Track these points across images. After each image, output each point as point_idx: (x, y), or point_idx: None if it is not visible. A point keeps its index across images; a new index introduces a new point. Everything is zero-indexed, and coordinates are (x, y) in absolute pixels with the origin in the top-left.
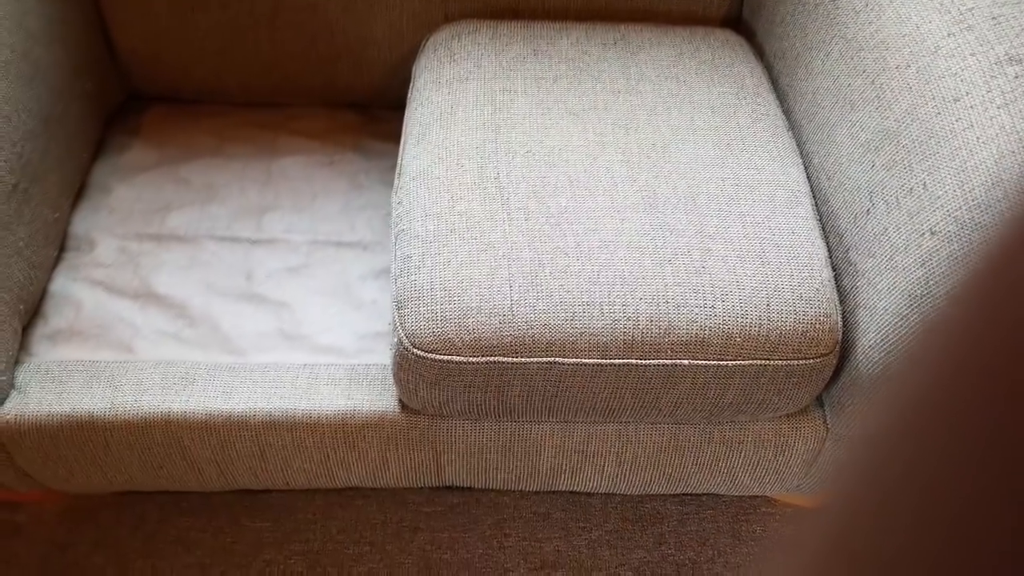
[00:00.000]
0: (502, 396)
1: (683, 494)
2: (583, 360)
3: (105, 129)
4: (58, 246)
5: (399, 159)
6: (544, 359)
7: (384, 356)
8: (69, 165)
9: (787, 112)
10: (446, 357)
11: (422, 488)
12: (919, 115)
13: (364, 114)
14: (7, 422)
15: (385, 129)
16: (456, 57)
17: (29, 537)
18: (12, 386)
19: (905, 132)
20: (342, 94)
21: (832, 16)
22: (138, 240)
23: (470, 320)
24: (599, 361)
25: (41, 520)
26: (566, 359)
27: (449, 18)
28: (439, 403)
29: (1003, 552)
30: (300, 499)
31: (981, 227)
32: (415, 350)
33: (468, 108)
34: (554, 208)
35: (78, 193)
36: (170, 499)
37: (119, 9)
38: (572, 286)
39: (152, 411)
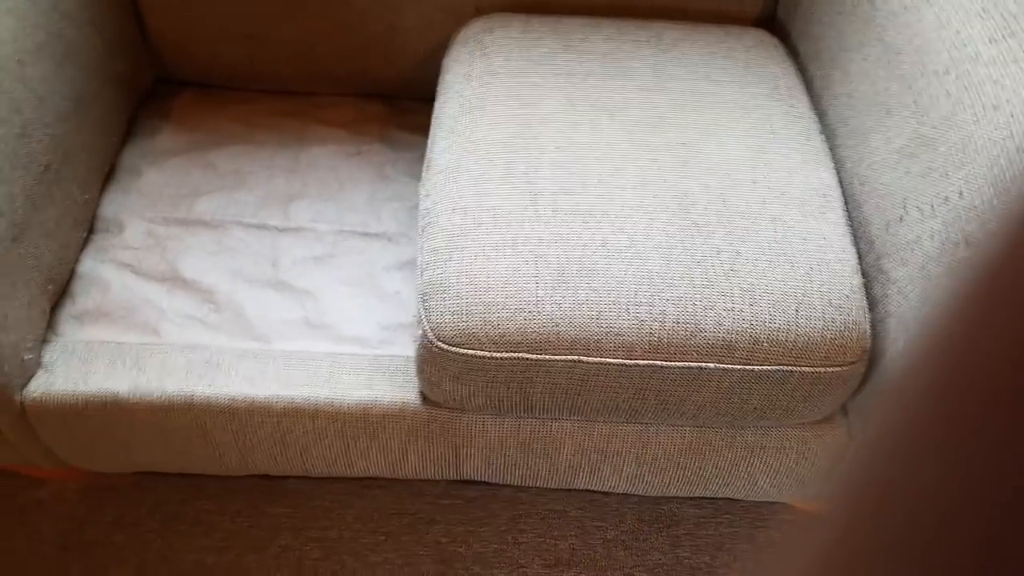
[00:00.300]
0: (525, 392)
1: (701, 497)
2: (608, 360)
3: (136, 112)
4: (87, 228)
5: (427, 152)
6: (568, 357)
7: (406, 348)
8: (100, 147)
9: (820, 115)
10: (470, 351)
11: (439, 480)
12: (957, 122)
13: (392, 105)
14: (33, 400)
15: (413, 121)
16: (487, 51)
17: (50, 513)
18: (39, 365)
19: (942, 139)
20: (371, 84)
21: (870, 19)
22: (166, 224)
23: (495, 315)
24: (624, 361)
25: (62, 497)
26: (590, 358)
27: (480, 11)
28: (461, 397)
29: (997, 556)
30: (318, 486)
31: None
32: (439, 343)
33: (498, 102)
34: (582, 205)
35: (108, 175)
36: (190, 481)
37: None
38: (599, 284)
39: (176, 394)
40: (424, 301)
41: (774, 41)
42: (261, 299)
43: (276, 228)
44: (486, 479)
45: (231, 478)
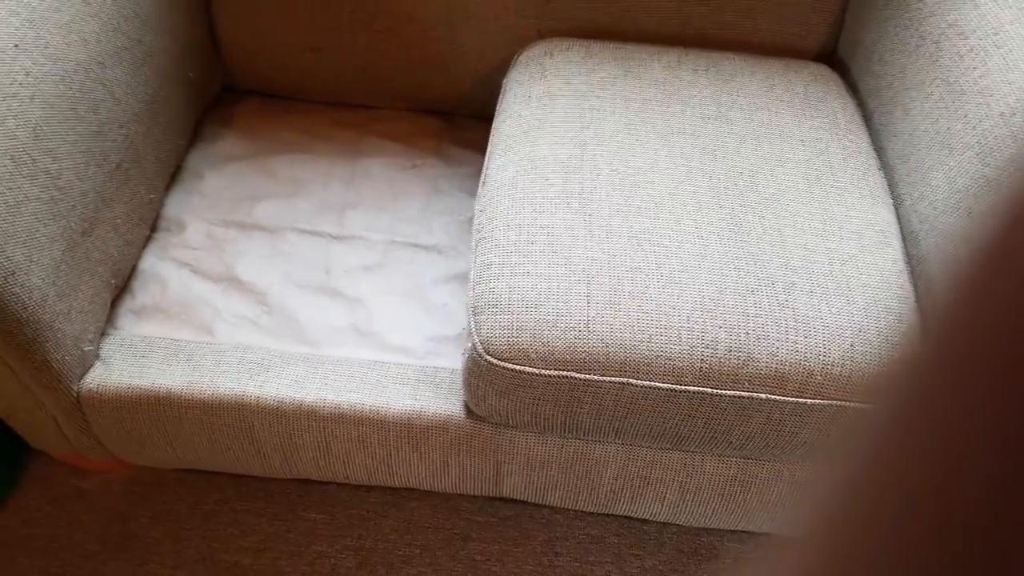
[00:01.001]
0: (571, 412)
1: (743, 532)
2: (657, 384)
3: (202, 118)
4: (150, 226)
5: (484, 168)
6: (617, 379)
7: (451, 360)
8: (167, 149)
9: (880, 151)
10: (519, 367)
11: (476, 497)
12: None
13: (447, 121)
14: (90, 391)
15: (467, 137)
16: (547, 73)
17: (94, 504)
18: (97, 357)
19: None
20: (428, 100)
21: (934, 59)
22: (225, 226)
23: (546, 332)
24: (673, 387)
25: (107, 489)
26: (639, 381)
27: (542, 35)
28: (506, 412)
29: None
30: (356, 495)
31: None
32: (488, 357)
33: (556, 123)
34: (637, 228)
35: (172, 177)
36: (231, 482)
37: (226, 3)
38: (651, 308)
39: (226, 393)
40: (475, 315)
41: (834, 76)
42: (312, 304)
43: (330, 236)
44: (525, 498)
45: (271, 481)
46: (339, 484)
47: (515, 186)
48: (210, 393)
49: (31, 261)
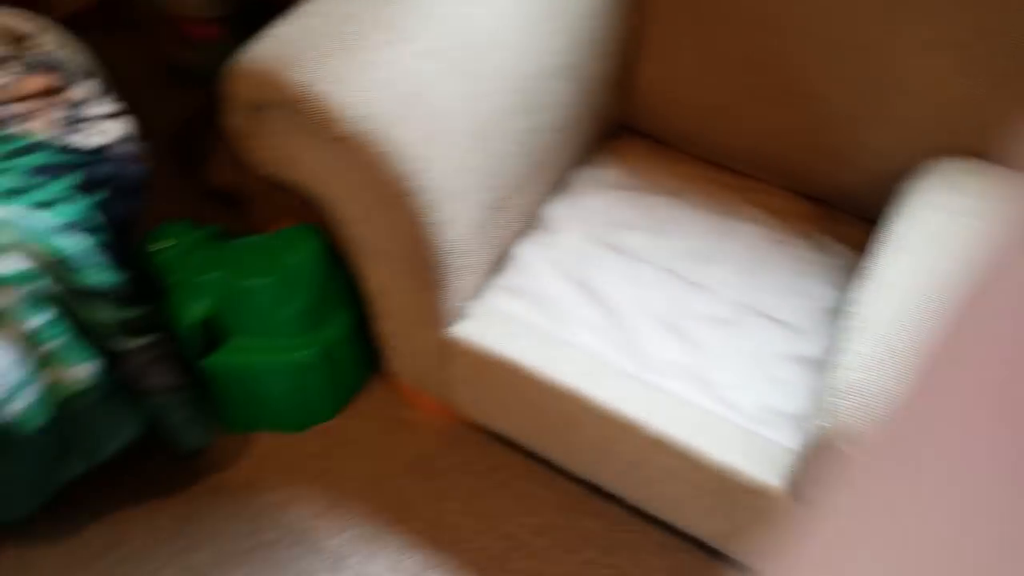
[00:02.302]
0: None
1: None
2: None
3: (596, 146)
4: (531, 223)
5: (868, 263)
6: None
7: (781, 434)
8: (563, 161)
9: None
10: None
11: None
12: None
13: (822, 208)
14: (456, 339)
15: (840, 230)
16: (962, 190)
17: (412, 435)
18: (468, 314)
19: None
20: (810, 185)
21: None
22: (593, 242)
23: None
24: None
25: (426, 428)
26: None
27: (953, 153)
28: None
29: None
30: (636, 522)
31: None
32: (843, 444)
33: (961, 239)
34: None
35: (558, 187)
36: (526, 463)
37: (655, 55)
38: None
39: (566, 384)
40: (835, 398)
41: None
42: (657, 336)
43: (686, 280)
44: None
45: (561, 477)
46: (622, 504)
47: (903, 289)
48: (553, 377)
49: (459, 216)
